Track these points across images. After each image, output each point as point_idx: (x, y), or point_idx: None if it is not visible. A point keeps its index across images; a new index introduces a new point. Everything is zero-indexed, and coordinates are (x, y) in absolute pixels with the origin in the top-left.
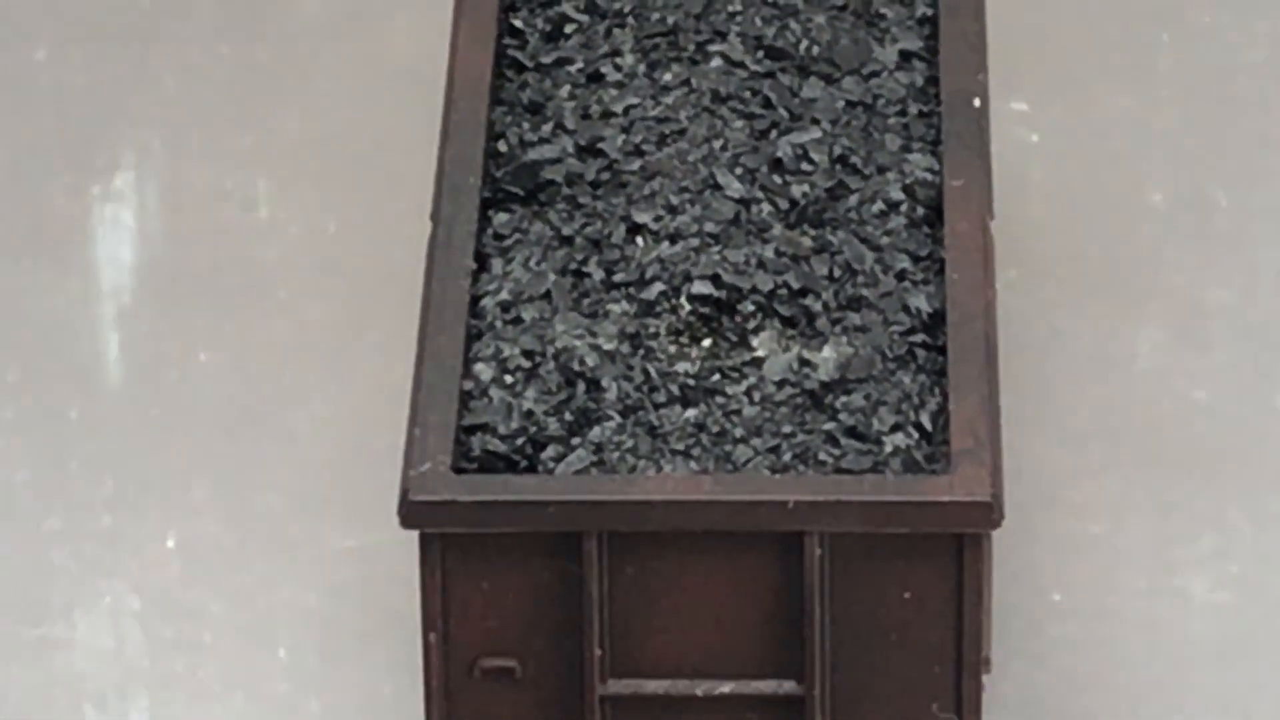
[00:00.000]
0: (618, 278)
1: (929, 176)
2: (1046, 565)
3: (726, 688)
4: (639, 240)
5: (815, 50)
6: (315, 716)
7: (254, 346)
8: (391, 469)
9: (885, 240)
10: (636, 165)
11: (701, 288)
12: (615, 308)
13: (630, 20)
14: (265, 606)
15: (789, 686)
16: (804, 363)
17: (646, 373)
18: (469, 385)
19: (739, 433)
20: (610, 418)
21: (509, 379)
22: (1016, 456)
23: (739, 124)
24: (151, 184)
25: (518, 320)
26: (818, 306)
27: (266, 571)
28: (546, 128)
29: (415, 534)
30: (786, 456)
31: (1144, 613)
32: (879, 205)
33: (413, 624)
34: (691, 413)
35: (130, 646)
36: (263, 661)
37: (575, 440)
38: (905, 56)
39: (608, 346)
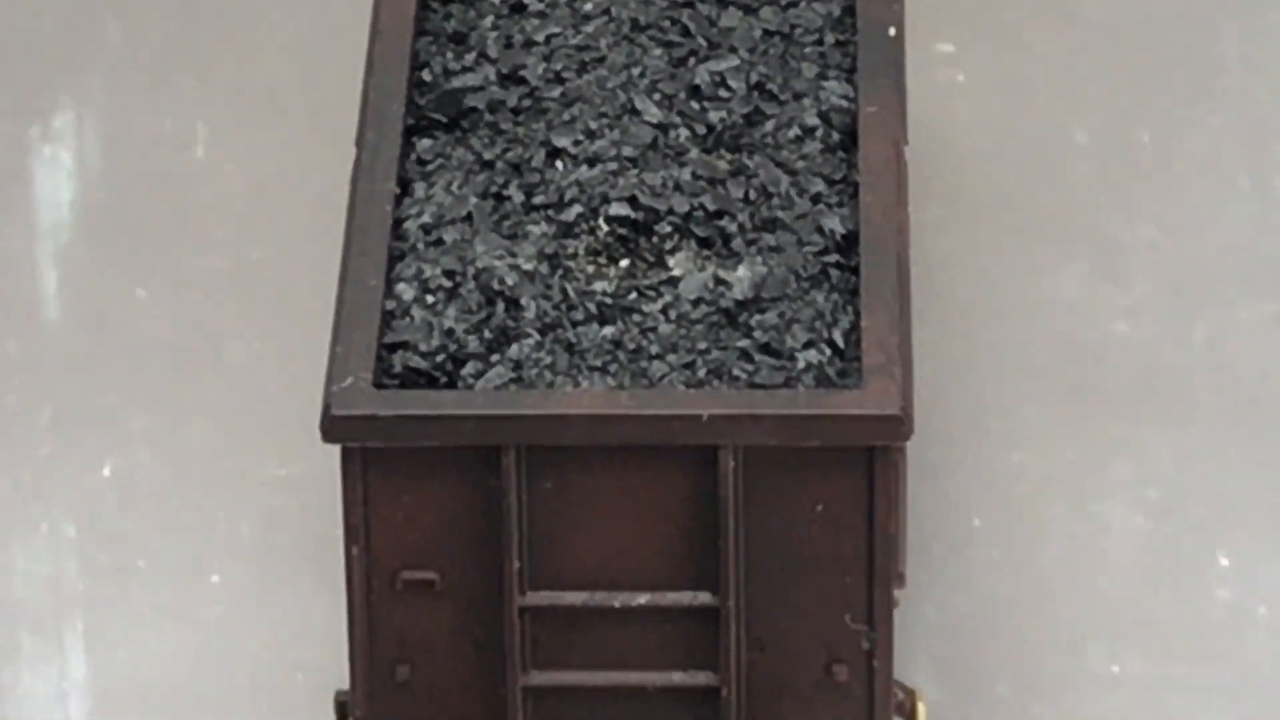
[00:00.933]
0: (537, 200)
1: (844, 103)
2: (967, 492)
3: (643, 599)
4: (558, 164)
5: None
6: (248, 640)
7: (191, 283)
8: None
9: (800, 164)
10: (557, 92)
11: (619, 209)
12: (534, 229)
13: None
14: (199, 534)
15: (704, 598)
16: (719, 282)
17: (565, 292)
18: (391, 305)
19: (655, 349)
20: (529, 335)
21: (430, 298)
22: (938, 388)
23: (658, 52)
24: (90, 126)
25: (439, 242)
26: (733, 228)
27: (201, 500)
28: (469, 56)
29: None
30: (701, 372)
31: (1063, 537)
32: (795, 130)
33: (343, 553)
34: (609, 330)
35: (66, 573)
36: (196, 587)
37: (495, 357)
38: None
39: (527, 266)
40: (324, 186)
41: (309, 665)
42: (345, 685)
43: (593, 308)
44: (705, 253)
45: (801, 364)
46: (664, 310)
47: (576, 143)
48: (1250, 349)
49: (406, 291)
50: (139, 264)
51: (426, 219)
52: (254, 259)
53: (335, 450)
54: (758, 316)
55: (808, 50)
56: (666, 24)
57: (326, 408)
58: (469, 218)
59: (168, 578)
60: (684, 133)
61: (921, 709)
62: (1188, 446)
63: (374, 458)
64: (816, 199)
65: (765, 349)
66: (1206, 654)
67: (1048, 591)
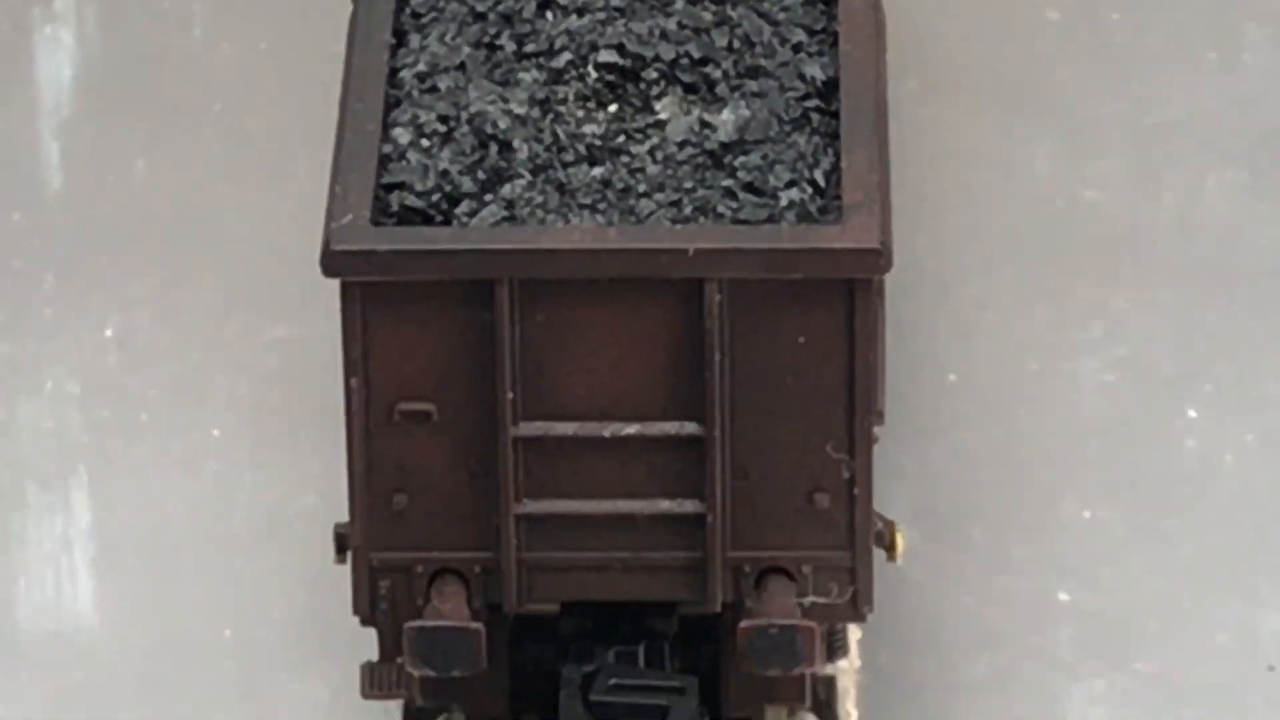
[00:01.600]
0: (528, 49)
1: None
2: (943, 350)
3: (632, 429)
4: (549, 14)
5: None
6: (246, 491)
7: (190, 156)
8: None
9: (782, 15)
10: None
11: (608, 56)
12: (526, 76)
13: None
14: (200, 392)
15: (691, 428)
16: (704, 125)
17: (555, 134)
18: (388, 149)
19: (643, 189)
20: (521, 176)
21: (425, 142)
22: (915, 252)
23: None
24: (90, 5)
25: (434, 89)
26: (717, 74)
27: (201, 360)
28: None
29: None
30: (687, 210)
31: (1036, 392)
32: None
33: (338, 408)
34: (598, 171)
35: (70, 428)
36: (197, 442)
37: (488, 197)
38: None
39: (519, 111)
40: (318, 63)
41: (306, 514)
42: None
43: (582, 149)
44: (691, 98)
45: (784, 202)
46: (651, 152)
47: None
48: (1216, 215)
49: (403, 135)
50: (138, 138)
51: (421, 67)
52: (250, 132)
53: (331, 312)
54: (741, 158)
55: None
56: None
57: (326, 243)
58: (462, 66)
59: (169, 433)
60: None
61: (900, 539)
62: (1156, 307)
63: (372, 292)
64: (798, 48)
65: (749, 188)
66: (1176, 500)
67: (1021, 443)
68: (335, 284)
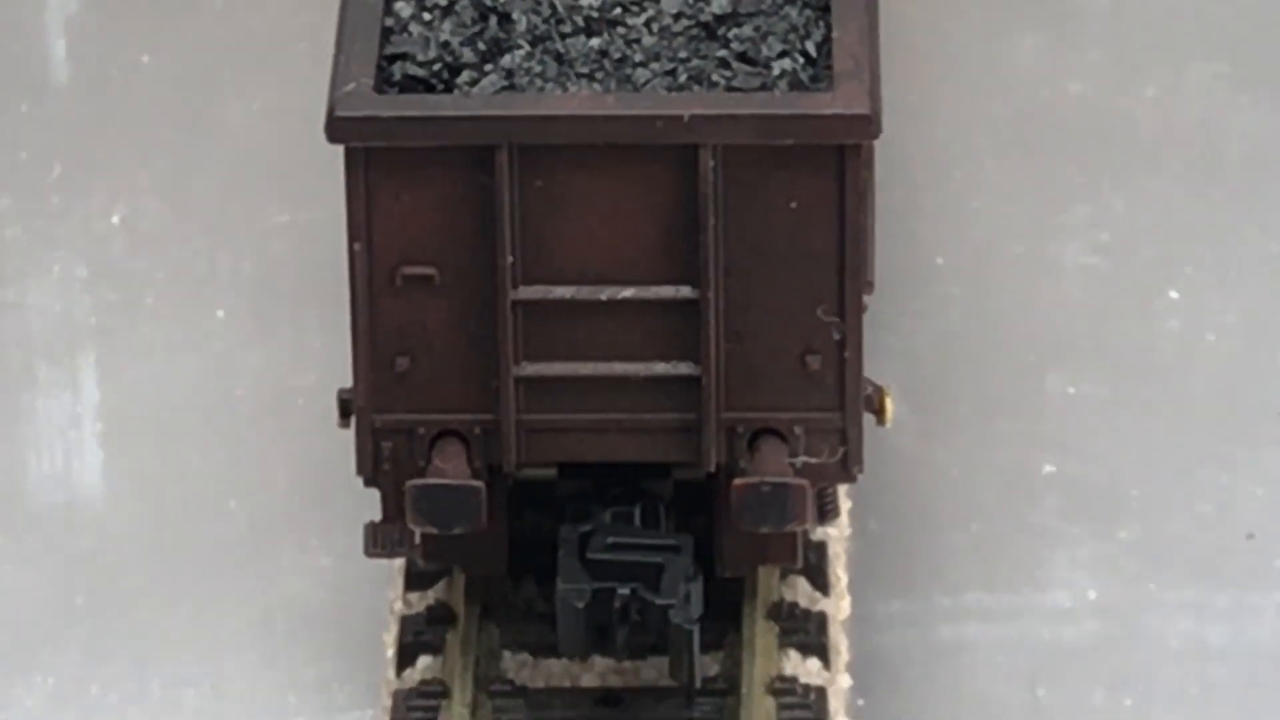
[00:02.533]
0: None
1: None
2: (930, 234)
3: (628, 292)
4: None
5: None
6: (250, 369)
7: (194, 50)
8: (322, 156)
9: None
10: None
11: None
12: None
13: None
14: (204, 274)
15: (685, 291)
16: None
17: (553, 6)
18: (390, 21)
19: (639, 58)
20: (520, 46)
21: (426, 15)
22: (903, 144)
23: None
24: None
25: None
26: None
27: (206, 243)
28: None
29: (340, 211)
30: (683, 79)
31: (1021, 276)
32: None
33: (340, 290)
34: (595, 41)
35: (78, 309)
36: (202, 322)
37: (488, 66)
38: None
39: None
40: None
41: (308, 390)
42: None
43: (580, 20)
44: None
45: (776, 71)
46: (647, 23)
47: None
48: (1196, 105)
49: (404, 8)
50: (143, 32)
51: None
52: (252, 25)
53: (332, 199)
54: (735, 29)
55: None
56: None
57: (331, 110)
58: None
59: (174, 314)
60: None
61: (889, 404)
62: (1138, 193)
63: (375, 158)
64: None
65: (742, 58)
66: (1159, 377)
67: (1007, 324)
68: (336, 170)
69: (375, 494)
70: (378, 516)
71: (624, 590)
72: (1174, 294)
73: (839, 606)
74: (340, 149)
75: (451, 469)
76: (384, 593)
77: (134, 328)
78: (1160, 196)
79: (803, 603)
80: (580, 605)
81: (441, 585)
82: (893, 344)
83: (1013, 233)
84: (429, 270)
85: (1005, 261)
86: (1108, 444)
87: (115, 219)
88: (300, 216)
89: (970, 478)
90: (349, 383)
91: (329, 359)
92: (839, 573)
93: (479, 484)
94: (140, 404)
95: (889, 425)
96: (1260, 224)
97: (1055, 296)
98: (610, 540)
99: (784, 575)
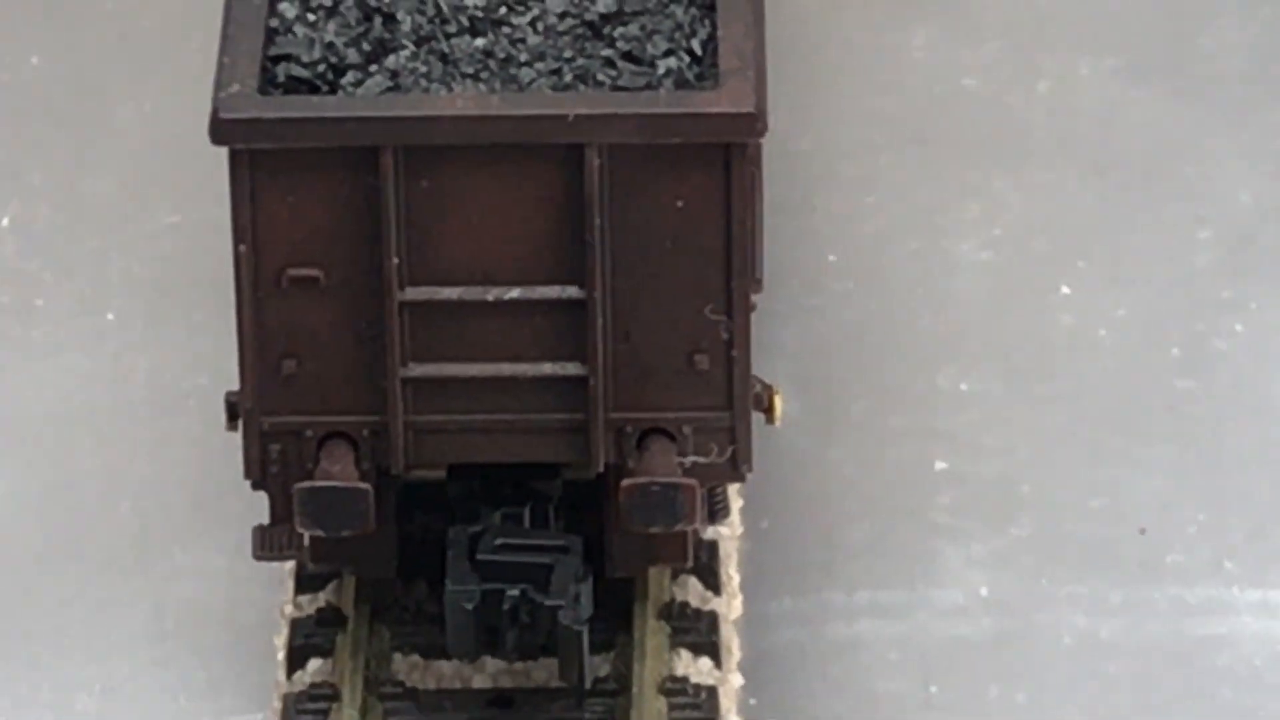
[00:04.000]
0: None
1: None
2: (823, 231)
3: (515, 293)
4: None
5: None
6: (142, 371)
7: (82, 50)
8: (212, 157)
9: None
10: None
11: None
12: None
13: None
14: (95, 276)
15: (572, 291)
16: None
17: (438, 6)
18: (274, 22)
19: (524, 58)
20: (405, 47)
21: (311, 16)
22: (795, 140)
23: None
24: None
25: None
26: None
27: (96, 246)
28: None
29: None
30: (568, 78)
31: (915, 271)
32: None
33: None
34: (480, 41)
35: None
36: (93, 324)
37: (373, 67)
38: None
39: None
40: None
41: (200, 391)
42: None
43: (465, 20)
44: None
45: (662, 70)
46: (532, 23)
47: None
48: (1090, 100)
49: (289, 9)
50: (30, 33)
51: None
52: (141, 26)
53: (221, 199)
54: (620, 28)
55: None
56: None
57: (214, 112)
58: None
59: (65, 315)
60: None
61: (778, 402)
62: (1031, 188)
63: (260, 160)
64: None
65: (628, 57)
66: (1051, 373)
67: (900, 320)
68: (224, 171)
69: (266, 496)
70: (267, 519)
71: (513, 591)
72: (1066, 289)
73: (730, 605)
74: (222, 148)
75: (339, 471)
76: (276, 594)
77: (24, 329)
78: (1053, 191)
79: (694, 602)
80: (469, 606)
81: (332, 587)
82: (786, 341)
83: (906, 229)
84: (315, 272)
85: (898, 258)
86: (1000, 440)
87: (4, 220)
88: (191, 217)
89: (863, 475)
90: (238, 385)
91: (220, 360)
92: (730, 572)
93: (366, 486)
94: (30, 406)
95: (779, 424)
96: (1153, 219)
97: (948, 292)
98: (499, 541)
99: (675, 575)
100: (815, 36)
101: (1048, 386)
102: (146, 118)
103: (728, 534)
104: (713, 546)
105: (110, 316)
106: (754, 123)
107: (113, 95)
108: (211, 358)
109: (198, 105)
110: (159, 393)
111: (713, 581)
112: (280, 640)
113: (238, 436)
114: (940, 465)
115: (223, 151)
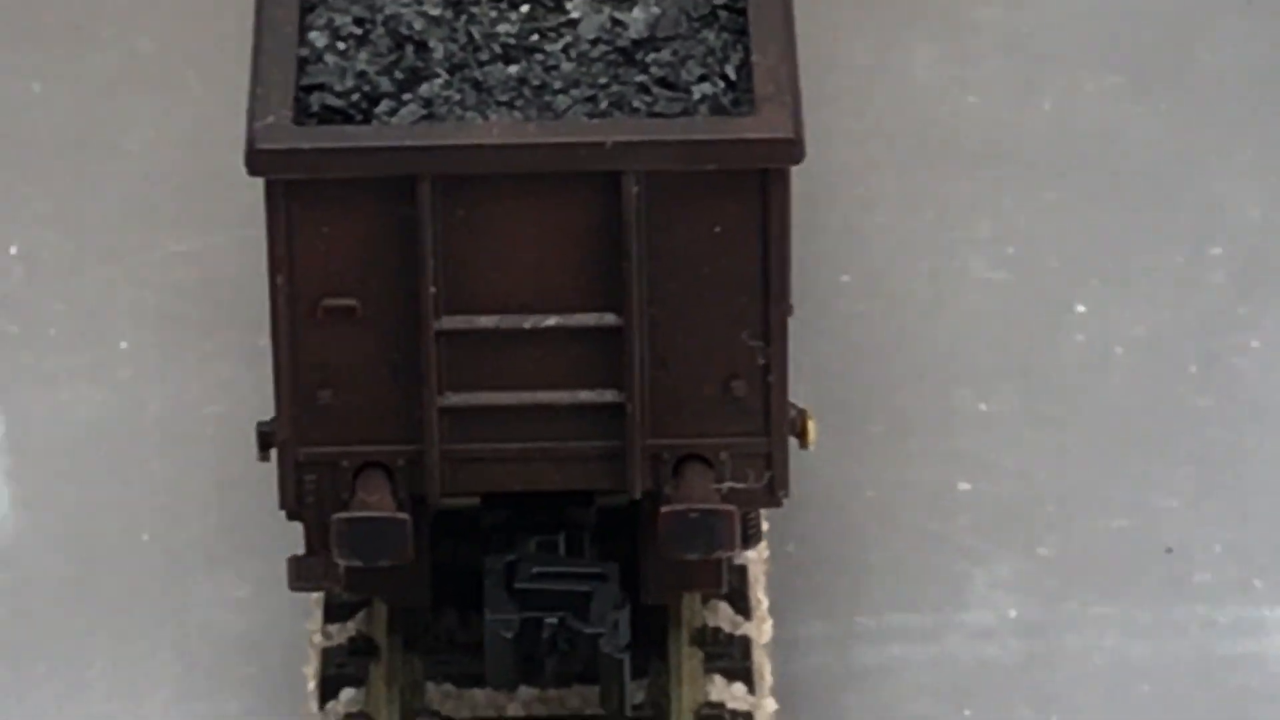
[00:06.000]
0: None
1: None
2: (835, 252)
3: (551, 321)
4: None
5: None
6: (156, 400)
7: (85, 77)
8: (219, 182)
9: None
10: None
11: None
12: None
13: None
14: (106, 305)
15: (609, 319)
16: (616, 22)
17: (470, 34)
18: (304, 52)
19: (558, 85)
20: (438, 75)
21: (341, 45)
22: (804, 161)
23: None
24: None
25: None
26: None
27: (106, 274)
28: None
29: (246, 236)
30: (603, 105)
31: (928, 291)
32: None
33: (245, 317)
34: (514, 69)
35: None
36: (106, 353)
37: (406, 96)
38: None
39: (433, 12)
40: None
41: (216, 421)
42: (248, 438)
43: (497, 48)
44: None
45: (697, 95)
46: (565, 49)
47: None
48: (1094, 117)
49: (319, 39)
50: (31, 62)
51: None
52: (142, 53)
53: (230, 225)
54: (653, 54)
55: None
56: None
57: (250, 143)
58: None
59: (78, 344)
60: None
61: (811, 426)
62: (1040, 206)
63: (296, 190)
64: None
65: (662, 82)
66: (1068, 391)
67: (914, 340)
68: (235, 197)
69: (291, 523)
70: (294, 546)
71: (552, 620)
72: (1081, 308)
73: (761, 630)
74: (240, 175)
75: (376, 501)
76: (301, 623)
77: (37, 359)
78: (1062, 209)
79: (725, 627)
80: (509, 635)
81: (361, 616)
82: (801, 363)
83: (917, 248)
84: (351, 302)
85: (911, 277)
86: (1021, 460)
87: (12, 249)
88: (199, 244)
89: (885, 497)
90: (257, 411)
91: (235, 389)
92: (759, 596)
93: (405, 516)
94: (47, 436)
95: (812, 448)
96: (1163, 236)
97: (962, 312)
98: (537, 569)
99: (705, 600)
100: (817, 58)
101: (1066, 406)
102: (150, 145)
103: (755, 558)
104: (742, 571)
105: (123, 345)
106: (792, 148)
107: (116, 122)
108: (227, 386)
109: (200, 130)
110: (175, 422)
111: (742, 606)
112: (310, 670)
113: (256, 466)
114: (963, 486)
115: (231, 178)
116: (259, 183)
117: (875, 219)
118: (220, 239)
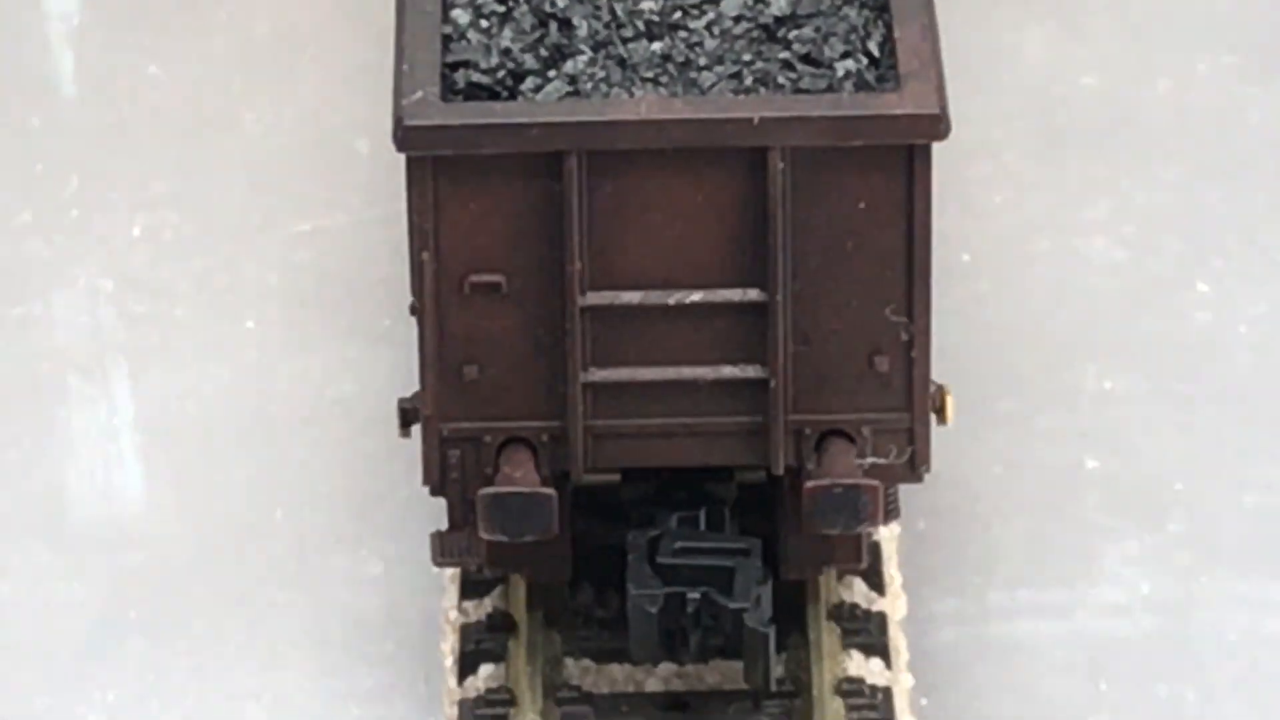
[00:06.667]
0: None
1: None
2: (955, 231)
3: (696, 296)
4: None
5: None
6: (284, 378)
7: (201, 60)
8: (340, 163)
9: None
10: None
11: None
12: None
13: None
14: (230, 285)
15: (754, 294)
16: (758, 0)
17: (614, 11)
18: (447, 29)
19: (703, 61)
20: (582, 52)
21: (484, 23)
22: None
23: None
24: None
25: None
26: None
27: (229, 254)
28: None
29: (366, 218)
30: (748, 81)
31: (1049, 270)
32: None
33: (369, 297)
34: (657, 45)
35: (106, 322)
36: (232, 332)
37: (551, 73)
38: None
39: None
40: None
41: (346, 399)
42: (377, 417)
43: (640, 25)
44: None
45: (841, 72)
46: (708, 26)
47: None
48: (1210, 97)
49: (462, 16)
50: (148, 44)
51: None
52: (258, 35)
53: (353, 204)
54: (795, 31)
55: None
56: None
57: (399, 119)
58: None
59: (204, 325)
60: None
61: (949, 402)
62: (1158, 186)
63: (443, 166)
64: None
65: (806, 59)
66: (1193, 369)
67: (1037, 319)
68: (354, 179)
69: (423, 499)
70: (424, 524)
71: (695, 595)
72: (1203, 287)
73: (895, 606)
74: (359, 157)
75: (521, 477)
76: (434, 601)
77: (164, 340)
78: (1179, 188)
79: (861, 603)
80: (653, 610)
81: (497, 593)
82: None
83: (1037, 228)
84: (497, 278)
85: (1032, 257)
86: (1147, 438)
87: (136, 230)
88: (321, 223)
89: (1013, 474)
90: (384, 391)
91: (362, 367)
92: (893, 572)
93: (550, 491)
94: (177, 416)
95: (950, 424)
96: None
97: (1083, 291)
98: (679, 545)
99: (840, 576)
100: None
101: (1190, 384)
102: (269, 125)
103: (887, 534)
104: (875, 547)
105: (250, 325)
106: (938, 124)
107: (233, 103)
108: (352, 365)
109: (316, 110)
110: (303, 401)
111: (877, 582)
112: (448, 646)
113: (384, 444)
114: (1091, 464)
115: (350, 157)
116: (379, 164)
117: (994, 199)
118: (341, 220)
